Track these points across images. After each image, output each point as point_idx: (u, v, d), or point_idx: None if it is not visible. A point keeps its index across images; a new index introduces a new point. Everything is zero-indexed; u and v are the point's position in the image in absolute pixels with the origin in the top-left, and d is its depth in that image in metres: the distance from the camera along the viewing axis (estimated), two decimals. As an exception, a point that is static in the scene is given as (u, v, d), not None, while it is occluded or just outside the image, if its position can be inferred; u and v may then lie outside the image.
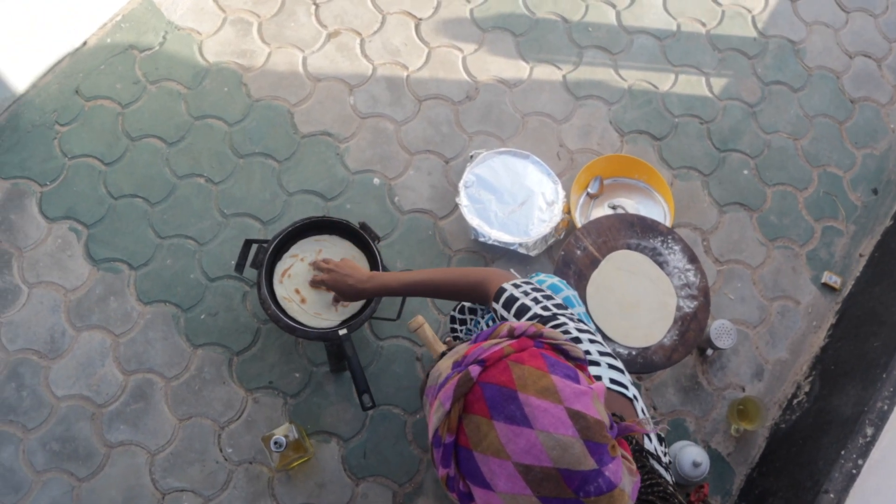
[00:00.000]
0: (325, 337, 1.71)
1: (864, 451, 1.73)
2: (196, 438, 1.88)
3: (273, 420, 1.90)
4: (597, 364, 1.01)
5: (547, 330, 0.84)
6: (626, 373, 1.03)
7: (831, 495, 1.70)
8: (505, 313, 1.14)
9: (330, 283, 1.58)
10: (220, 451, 1.88)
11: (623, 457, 0.77)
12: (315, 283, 1.76)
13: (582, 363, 0.84)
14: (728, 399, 2.05)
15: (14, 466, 1.83)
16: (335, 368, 1.92)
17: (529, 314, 1.09)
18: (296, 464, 1.83)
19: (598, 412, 0.76)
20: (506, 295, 1.15)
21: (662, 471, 0.94)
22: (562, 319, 1.07)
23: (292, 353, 1.96)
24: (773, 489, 1.88)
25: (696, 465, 1.85)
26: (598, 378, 0.99)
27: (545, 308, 1.10)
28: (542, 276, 1.55)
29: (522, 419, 0.74)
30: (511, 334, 0.84)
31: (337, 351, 1.82)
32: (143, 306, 1.98)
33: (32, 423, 1.87)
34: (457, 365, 0.81)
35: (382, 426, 1.92)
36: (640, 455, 0.90)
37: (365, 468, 1.89)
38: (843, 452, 1.74)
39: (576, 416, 0.74)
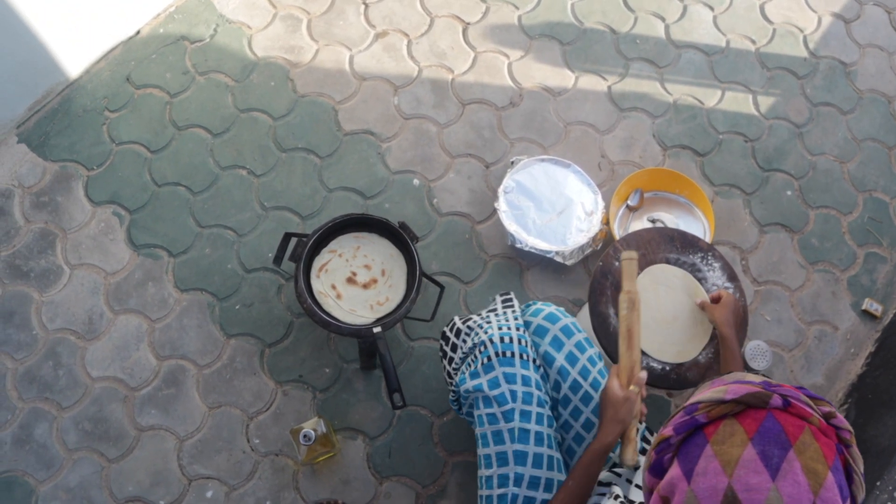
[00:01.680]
0: (359, 334, 1.72)
1: (901, 485, 1.69)
2: (224, 427, 1.90)
3: (301, 413, 1.91)
4: None
5: (856, 449, 0.81)
6: None
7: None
8: None
9: (737, 315, 1.59)
10: (248, 441, 1.89)
11: None
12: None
13: (853, 499, 0.80)
14: (760, 422, 2.01)
15: (47, 443, 1.86)
16: (365, 366, 1.93)
17: None
18: (321, 458, 1.84)
19: None
20: None
21: None
22: None
23: (324, 349, 1.97)
24: (802, 516, 1.84)
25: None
26: None
27: None
28: (539, 305, 1.53)
29: (774, 467, 0.72)
30: (827, 417, 0.80)
31: (369, 348, 1.83)
32: (180, 293, 2.01)
33: (67, 401, 1.90)
34: (768, 384, 0.80)
35: (409, 426, 1.92)
36: None
37: (389, 467, 1.89)
38: (878, 484, 1.70)
39: None
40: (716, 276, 1.79)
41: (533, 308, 1.53)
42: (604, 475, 1.33)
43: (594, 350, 1.51)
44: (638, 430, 1.35)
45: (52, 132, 2.13)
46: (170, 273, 2.02)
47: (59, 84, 2.15)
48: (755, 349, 1.97)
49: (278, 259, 1.83)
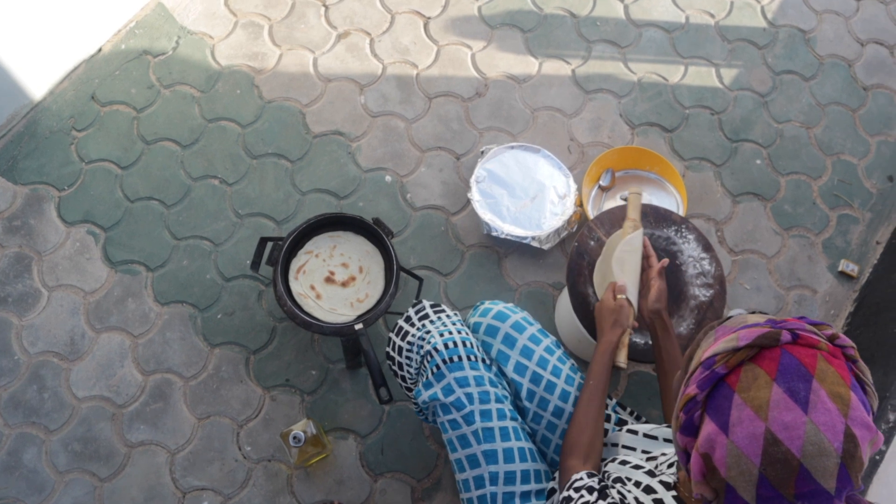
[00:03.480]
0: (342, 332, 1.72)
1: (888, 437, 1.72)
2: (215, 437, 1.90)
3: (291, 417, 1.91)
4: None
5: (862, 363, 0.81)
6: None
7: None
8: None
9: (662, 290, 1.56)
10: (239, 449, 1.89)
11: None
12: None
13: (872, 412, 0.81)
14: (746, 389, 2.03)
15: (37, 467, 1.85)
16: (351, 365, 1.93)
17: None
18: (314, 460, 1.84)
19: (866, 454, 0.74)
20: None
21: None
22: None
23: (308, 351, 1.97)
24: (794, 478, 1.86)
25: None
26: None
27: None
28: (487, 305, 1.53)
29: (803, 400, 0.72)
30: (832, 338, 0.81)
31: (353, 346, 1.83)
32: (161, 307, 2.00)
33: (54, 424, 1.89)
34: (773, 322, 0.80)
35: (399, 422, 1.92)
36: None
37: (383, 464, 1.89)
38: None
39: (849, 437, 0.72)
40: (691, 248, 1.81)
41: (482, 308, 1.52)
42: (625, 437, 1.36)
43: (550, 339, 1.50)
44: (629, 337, 1.52)
45: (19, 156, 2.12)
46: (149, 288, 2.02)
47: (24, 107, 2.14)
48: (737, 318, 1.99)
49: (255, 264, 1.83)
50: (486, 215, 2.04)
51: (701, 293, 1.77)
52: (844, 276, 2.18)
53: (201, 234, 2.07)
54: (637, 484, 1.07)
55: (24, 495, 1.82)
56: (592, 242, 1.79)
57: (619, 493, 1.06)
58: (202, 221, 2.08)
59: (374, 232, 1.85)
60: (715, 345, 0.80)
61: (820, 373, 0.74)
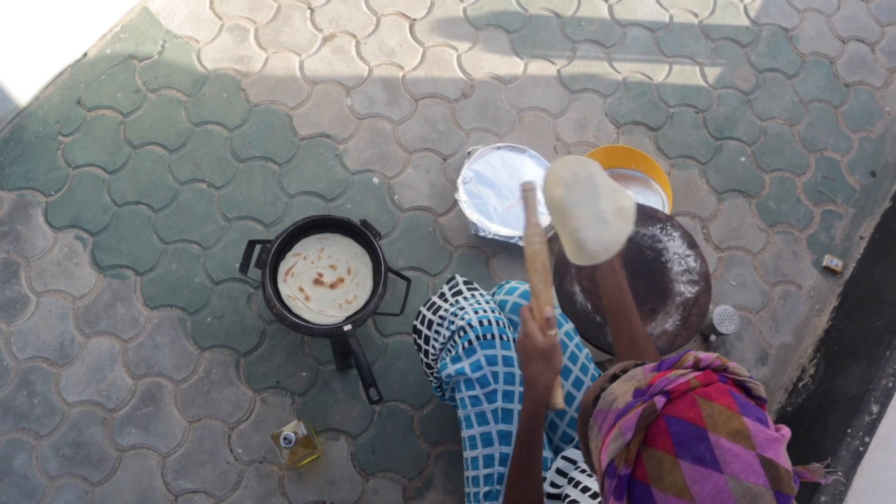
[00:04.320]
0: (330, 333, 1.73)
1: (871, 429, 1.74)
2: (206, 440, 1.90)
3: (282, 419, 1.92)
4: None
5: (732, 364, 0.80)
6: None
7: (839, 474, 1.70)
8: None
9: None
10: (231, 451, 1.90)
11: None
12: None
13: (763, 402, 0.80)
14: (733, 384, 2.05)
15: (28, 473, 1.85)
16: (341, 366, 1.94)
17: None
18: (306, 461, 1.85)
19: (787, 461, 0.73)
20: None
21: None
22: None
23: (298, 353, 1.98)
24: (781, 471, 1.88)
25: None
26: None
27: None
28: (513, 283, 1.54)
29: (712, 462, 0.71)
30: (696, 365, 0.80)
31: (342, 347, 1.84)
32: (150, 311, 2.00)
33: (44, 429, 1.89)
34: (639, 393, 0.78)
35: (390, 422, 1.93)
36: None
37: (374, 464, 1.90)
38: (849, 431, 1.75)
39: (768, 465, 0.71)
40: (676, 245, 1.83)
41: (507, 287, 1.55)
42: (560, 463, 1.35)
43: (570, 325, 1.53)
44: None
45: (5, 161, 2.12)
46: (138, 292, 2.02)
47: (9, 113, 2.14)
48: (722, 314, 2.02)
49: (244, 267, 1.83)
50: (473, 216, 2.06)
51: (686, 290, 1.79)
52: (829, 272, 2.20)
53: (189, 238, 2.07)
54: None
55: (14, 501, 1.82)
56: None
57: None
58: (190, 225, 2.09)
59: (361, 234, 1.86)
60: (605, 446, 0.78)
61: (709, 419, 0.73)
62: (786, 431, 0.76)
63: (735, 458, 0.70)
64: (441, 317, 1.50)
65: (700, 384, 0.76)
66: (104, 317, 1.99)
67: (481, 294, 1.52)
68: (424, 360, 1.58)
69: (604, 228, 1.30)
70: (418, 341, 1.57)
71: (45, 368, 1.94)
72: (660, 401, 0.74)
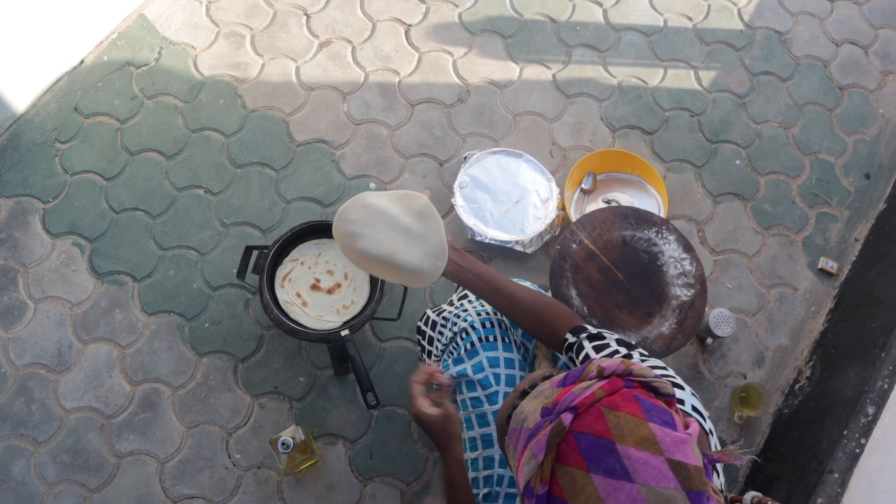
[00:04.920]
0: (328, 338, 1.74)
1: (867, 430, 1.75)
2: (204, 445, 1.90)
3: (279, 424, 1.93)
4: (681, 388, 1.00)
5: (636, 367, 0.81)
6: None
7: (836, 475, 1.71)
8: (589, 347, 1.13)
9: None
10: (229, 456, 1.90)
11: (714, 491, 0.76)
12: None
13: (671, 399, 0.81)
14: (730, 387, 2.06)
15: (26, 480, 1.85)
16: (338, 371, 1.94)
17: (609, 350, 1.10)
18: (303, 466, 1.85)
19: (697, 458, 0.75)
20: (590, 332, 1.15)
21: None
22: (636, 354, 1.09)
23: (296, 358, 1.98)
24: (778, 473, 1.89)
25: (700, 452, 1.86)
26: (681, 402, 0.98)
27: (622, 343, 1.12)
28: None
29: (622, 473, 0.72)
30: (601, 374, 0.81)
31: (340, 352, 1.85)
32: (148, 317, 2.01)
33: (42, 436, 1.89)
34: (547, 412, 0.79)
35: (388, 427, 1.94)
36: None
37: (372, 469, 1.90)
38: (845, 432, 1.76)
39: (677, 468, 0.72)
40: (672, 249, 1.84)
41: None
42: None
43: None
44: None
45: (2, 168, 2.12)
46: (136, 298, 2.02)
47: (6, 120, 2.14)
48: (719, 317, 2.02)
49: (241, 273, 1.84)
50: (469, 220, 2.07)
51: (682, 293, 1.80)
52: (824, 274, 2.21)
53: (187, 244, 2.08)
54: None
55: (13, 508, 1.83)
56: (575, 245, 1.81)
57: None
58: (188, 231, 2.09)
59: (358, 238, 1.86)
60: (520, 468, 0.79)
61: (616, 431, 0.74)
62: (693, 429, 0.77)
63: (644, 467, 0.72)
64: (444, 318, 1.51)
65: (605, 394, 0.77)
66: (102, 323, 2.00)
67: None
68: (427, 360, 1.58)
69: (421, 239, 1.29)
70: (422, 342, 1.58)
71: (43, 375, 1.94)
72: (567, 418, 0.76)
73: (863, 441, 1.74)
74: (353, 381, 1.97)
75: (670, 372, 1.03)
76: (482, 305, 1.47)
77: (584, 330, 1.18)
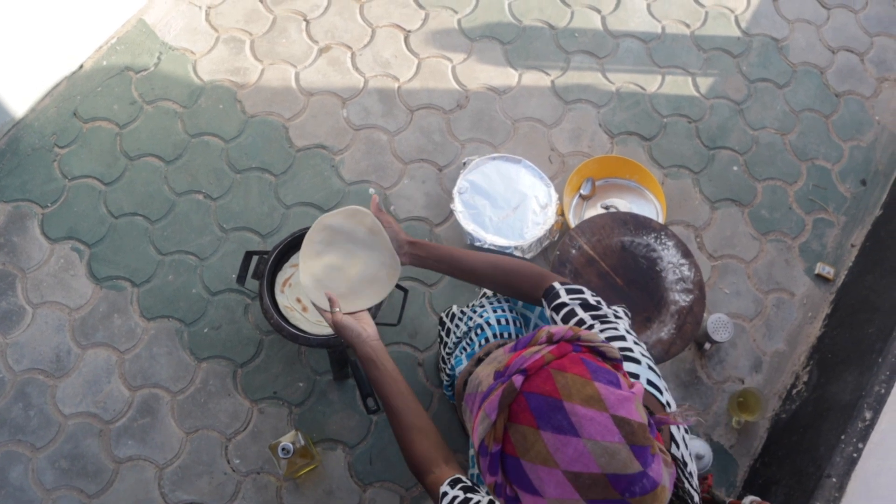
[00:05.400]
0: (328, 343, 1.74)
1: (864, 435, 1.76)
2: (203, 451, 1.90)
3: (279, 430, 1.92)
4: (637, 362, 1.04)
5: (584, 332, 0.86)
6: (662, 379, 1.07)
7: (833, 480, 1.72)
8: (555, 315, 1.16)
9: (390, 225, 1.44)
10: (228, 462, 1.90)
11: (660, 450, 0.80)
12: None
13: (618, 363, 0.85)
14: (728, 392, 2.07)
15: (24, 486, 1.85)
16: (338, 376, 1.94)
17: (576, 319, 1.12)
18: (303, 471, 1.85)
19: (641, 415, 0.79)
20: (557, 301, 1.18)
21: (687, 480, 0.97)
22: (611, 318, 1.11)
23: (295, 363, 1.98)
24: (776, 478, 1.90)
25: (698, 457, 1.87)
26: (636, 376, 1.01)
27: (589, 307, 1.13)
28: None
29: (570, 428, 0.76)
30: (550, 339, 0.85)
31: (339, 358, 1.85)
32: (147, 322, 2.01)
33: (41, 441, 1.89)
34: (499, 375, 0.83)
35: (387, 432, 1.94)
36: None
37: (371, 474, 1.90)
38: (843, 437, 1.77)
39: (621, 423, 0.77)
40: (670, 255, 1.85)
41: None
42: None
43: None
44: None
45: (1, 173, 2.12)
46: (135, 303, 2.02)
47: (5, 125, 2.14)
48: (717, 322, 2.03)
49: (241, 278, 1.84)
50: (469, 226, 2.07)
51: (681, 298, 1.81)
52: (821, 279, 2.22)
53: (186, 249, 2.08)
54: None
55: (11, 514, 1.82)
56: (574, 251, 1.82)
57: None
58: (187, 236, 2.09)
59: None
60: (475, 428, 0.83)
61: (563, 390, 0.78)
62: (638, 389, 0.82)
63: (590, 422, 0.76)
64: (463, 312, 1.55)
65: (554, 357, 0.82)
66: (101, 328, 1.99)
67: (506, 299, 1.54)
68: (442, 352, 1.59)
69: (375, 251, 1.42)
70: (441, 333, 1.62)
71: (42, 380, 1.94)
72: (518, 379, 0.80)
73: (860, 446, 1.75)
74: (353, 386, 1.97)
75: (630, 344, 1.06)
76: (500, 303, 1.49)
77: (553, 290, 1.20)
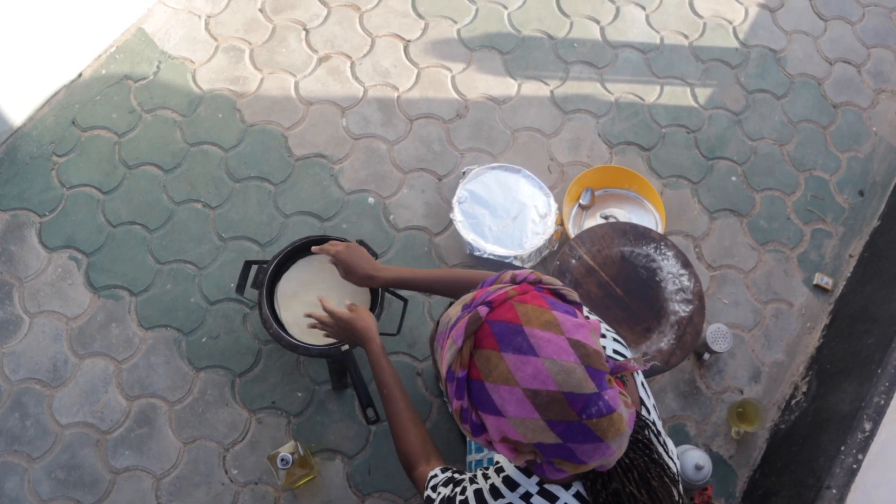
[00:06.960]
0: (327, 353, 1.73)
1: (864, 446, 1.75)
2: (201, 461, 1.89)
3: (277, 440, 1.91)
4: (603, 336, 1.10)
5: (546, 277, 0.93)
6: (629, 351, 1.14)
7: (833, 491, 1.71)
8: None
9: (344, 263, 1.57)
10: (226, 472, 1.88)
11: (620, 393, 0.86)
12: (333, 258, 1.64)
13: (579, 305, 0.92)
14: (727, 402, 2.07)
15: (20, 496, 1.83)
16: (337, 386, 1.94)
17: None
18: (302, 482, 1.84)
19: (596, 343, 0.86)
20: None
21: (659, 445, 1.01)
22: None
23: (294, 373, 1.97)
24: (775, 489, 1.89)
25: (698, 468, 1.86)
26: (603, 349, 1.05)
27: None
28: None
29: (529, 349, 0.83)
30: (514, 280, 0.92)
31: (339, 368, 1.84)
32: (145, 332, 2.00)
33: (37, 452, 1.87)
34: (466, 307, 0.89)
35: (386, 442, 1.93)
36: (638, 419, 0.99)
37: (370, 484, 1.89)
38: (842, 448, 1.77)
39: (576, 345, 0.83)
40: (670, 265, 1.84)
41: None
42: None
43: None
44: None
45: None
46: (132, 312, 2.01)
47: (3, 133, 2.14)
48: (716, 332, 2.03)
49: (240, 287, 1.83)
50: (468, 235, 2.07)
51: (681, 308, 1.81)
52: (819, 290, 2.22)
53: (185, 258, 2.07)
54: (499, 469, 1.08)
55: (6, 525, 1.80)
56: (574, 261, 1.82)
57: (482, 476, 1.08)
58: (185, 245, 2.09)
59: (358, 253, 1.86)
60: (444, 356, 0.89)
61: (524, 317, 0.85)
62: (594, 321, 0.90)
63: (548, 343, 0.83)
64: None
65: (517, 293, 0.89)
66: (98, 338, 1.98)
67: None
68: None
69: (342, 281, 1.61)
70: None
71: (38, 390, 1.93)
72: (483, 310, 0.87)
73: (860, 457, 1.74)
74: (352, 396, 1.96)
75: (605, 325, 1.13)
76: None
77: None
